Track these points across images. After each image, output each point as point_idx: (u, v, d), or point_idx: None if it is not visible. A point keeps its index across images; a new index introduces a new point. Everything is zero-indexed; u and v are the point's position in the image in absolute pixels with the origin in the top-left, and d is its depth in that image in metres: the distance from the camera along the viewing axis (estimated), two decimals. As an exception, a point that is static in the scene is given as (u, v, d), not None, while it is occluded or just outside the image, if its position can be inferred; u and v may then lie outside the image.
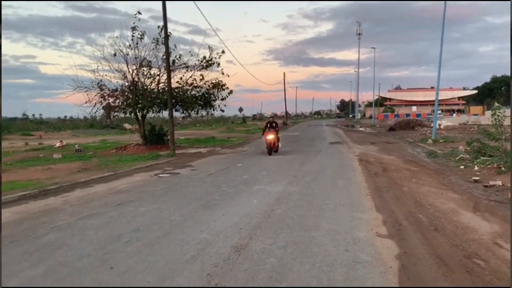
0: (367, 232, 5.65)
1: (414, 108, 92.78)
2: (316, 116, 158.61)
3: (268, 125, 17.66)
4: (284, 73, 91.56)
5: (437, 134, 24.47)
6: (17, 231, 5.93)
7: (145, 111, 20.83)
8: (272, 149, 17.06)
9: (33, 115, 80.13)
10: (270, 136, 17.03)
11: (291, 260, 4.58)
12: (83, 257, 4.75)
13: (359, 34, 72.46)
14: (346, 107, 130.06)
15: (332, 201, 7.67)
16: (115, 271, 4.32)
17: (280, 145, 18.03)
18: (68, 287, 3.90)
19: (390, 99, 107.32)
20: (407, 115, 71.23)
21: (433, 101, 25.34)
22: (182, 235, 5.58)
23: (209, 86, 21.53)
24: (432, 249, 4.91)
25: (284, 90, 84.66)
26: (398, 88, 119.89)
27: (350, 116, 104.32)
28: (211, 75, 21.50)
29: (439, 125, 32.20)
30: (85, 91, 19.59)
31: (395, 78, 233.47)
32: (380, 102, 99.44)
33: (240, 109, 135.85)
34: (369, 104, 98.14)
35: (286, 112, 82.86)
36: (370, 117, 72.75)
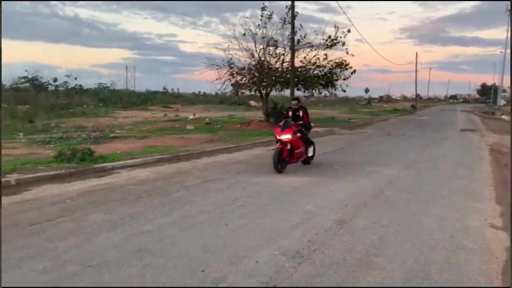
0: (479, 221, 5.43)
1: None
2: (451, 100, 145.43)
3: (290, 115, 9.54)
4: (416, 53, 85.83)
5: None
6: (153, 187, 7.06)
7: (268, 89, 21.81)
8: (282, 160, 8.55)
9: (172, 89, 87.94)
10: (285, 136, 8.60)
11: (391, 238, 4.70)
12: (204, 213, 5.52)
13: (510, 10, 63.99)
14: (487, 92, 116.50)
15: (448, 189, 7.39)
16: (229, 227, 4.96)
17: (311, 153, 9.74)
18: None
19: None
20: None
21: None
22: (290, 204, 6.05)
23: (332, 65, 21.53)
24: (551, 246, 4.56)
25: (416, 71, 79.38)
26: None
27: (490, 101, 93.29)
28: (335, 54, 21.45)
29: None
30: (216, 69, 21.24)
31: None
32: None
33: (366, 90, 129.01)
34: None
35: (417, 95, 78.03)
36: (516, 103, 64.31)
